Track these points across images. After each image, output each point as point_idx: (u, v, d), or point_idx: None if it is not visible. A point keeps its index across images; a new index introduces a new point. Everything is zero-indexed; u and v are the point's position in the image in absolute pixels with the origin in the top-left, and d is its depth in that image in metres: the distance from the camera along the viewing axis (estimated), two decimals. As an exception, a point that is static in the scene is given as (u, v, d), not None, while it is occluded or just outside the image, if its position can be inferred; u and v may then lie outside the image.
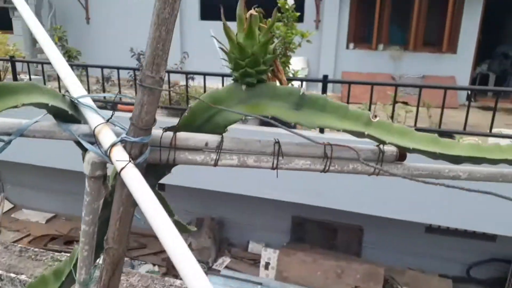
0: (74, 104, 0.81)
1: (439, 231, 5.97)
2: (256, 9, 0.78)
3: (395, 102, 4.40)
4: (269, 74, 0.88)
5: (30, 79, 5.58)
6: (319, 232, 6.54)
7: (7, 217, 7.22)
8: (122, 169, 0.70)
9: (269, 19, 0.83)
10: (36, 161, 5.86)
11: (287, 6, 4.48)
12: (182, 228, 1.34)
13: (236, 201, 6.14)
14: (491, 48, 9.27)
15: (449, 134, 4.50)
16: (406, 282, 5.86)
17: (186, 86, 5.08)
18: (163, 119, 5.16)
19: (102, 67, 5.25)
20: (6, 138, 0.75)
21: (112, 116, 0.77)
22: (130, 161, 0.71)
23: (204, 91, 4.94)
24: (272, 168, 0.90)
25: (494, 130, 4.23)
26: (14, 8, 9.06)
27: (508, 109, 7.38)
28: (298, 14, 4.65)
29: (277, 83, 0.93)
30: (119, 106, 5.11)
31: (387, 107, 4.96)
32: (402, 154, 0.94)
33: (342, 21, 8.41)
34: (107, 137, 0.74)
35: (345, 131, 0.85)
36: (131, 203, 0.80)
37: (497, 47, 9.23)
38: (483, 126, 6.30)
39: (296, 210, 6.31)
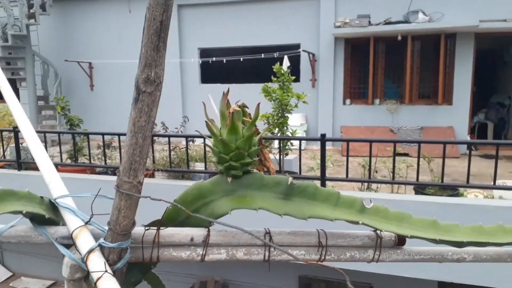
0: (53, 204, 0.78)
1: (452, 285, 5.68)
2: (238, 104, 0.78)
3: (395, 156, 4.38)
4: (256, 164, 0.86)
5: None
6: (327, 292, 6.24)
7: (5, 287, 6.95)
8: (98, 279, 0.66)
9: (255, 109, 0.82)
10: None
11: (282, 71, 4.61)
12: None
13: (240, 262, 5.92)
14: (485, 98, 9.45)
15: (452, 188, 4.42)
16: None
17: (187, 148, 5.10)
18: (164, 182, 5.13)
19: (103, 134, 5.31)
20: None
21: (91, 218, 0.74)
22: (106, 271, 0.66)
23: (205, 153, 4.95)
24: (264, 261, 0.84)
25: (498, 182, 4.16)
26: (22, 79, 9.41)
27: (510, 156, 7.34)
28: (293, 78, 4.78)
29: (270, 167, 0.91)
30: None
31: (387, 162, 4.93)
32: (401, 239, 0.89)
33: (337, 79, 8.66)
34: (84, 242, 0.70)
35: (338, 220, 0.81)
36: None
37: (492, 97, 9.41)
38: (486, 174, 6.21)
39: (303, 270, 6.06)
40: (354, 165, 5.94)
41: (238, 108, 0.78)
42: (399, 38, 7.76)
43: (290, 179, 0.82)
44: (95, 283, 0.66)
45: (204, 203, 0.81)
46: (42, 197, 0.77)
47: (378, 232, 0.87)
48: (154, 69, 0.61)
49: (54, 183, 0.82)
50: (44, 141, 5.73)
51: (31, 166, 5.64)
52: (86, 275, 0.82)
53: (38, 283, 7.11)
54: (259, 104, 0.81)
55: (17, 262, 7.38)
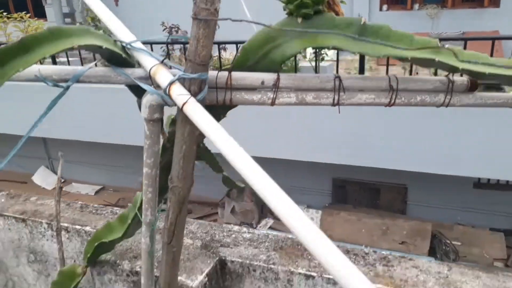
0: (125, 50, 0.80)
1: (488, 185, 5.75)
2: None
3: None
4: (325, 8, 0.82)
5: (68, 60, 5.73)
6: (361, 193, 6.46)
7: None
8: (184, 104, 0.68)
9: None
10: (82, 137, 6.11)
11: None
12: (231, 184, 1.34)
13: (274, 165, 6.13)
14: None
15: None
16: (455, 237, 5.70)
17: (219, 56, 5.02)
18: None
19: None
20: (64, 84, 0.75)
21: (165, 57, 0.74)
22: (191, 95, 0.68)
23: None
24: (333, 105, 0.85)
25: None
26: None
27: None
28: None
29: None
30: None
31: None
32: (473, 83, 0.86)
33: (374, -18, 8.00)
34: (164, 76, 0.72)
35: (413, 59, 0.78)
36: (194, 140, 0.79)
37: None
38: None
39: (337, 172, 6.24)
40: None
41: None
42: None
43: (364, 18, 0.78)
44: (181, 109, 0.68)
45: (273, 46, 0.80)
46: (115, 40, 0.78)
47: (450, 76, 0.85)
48: None
49: (120, 30, 0.82)
50: (79, 57, 5.78)
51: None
52: (161, 121, 0.86)
53: (88, 188, 7.77)
54: None
55: (67, 170, 8.02)
